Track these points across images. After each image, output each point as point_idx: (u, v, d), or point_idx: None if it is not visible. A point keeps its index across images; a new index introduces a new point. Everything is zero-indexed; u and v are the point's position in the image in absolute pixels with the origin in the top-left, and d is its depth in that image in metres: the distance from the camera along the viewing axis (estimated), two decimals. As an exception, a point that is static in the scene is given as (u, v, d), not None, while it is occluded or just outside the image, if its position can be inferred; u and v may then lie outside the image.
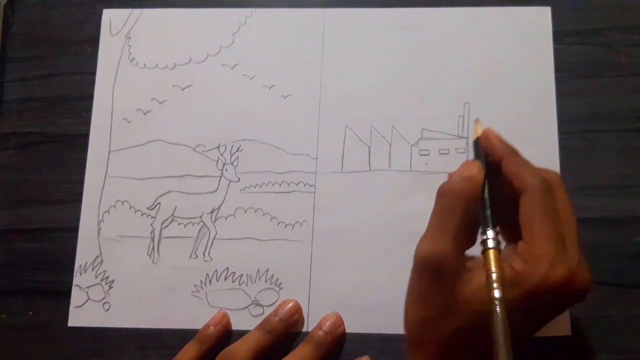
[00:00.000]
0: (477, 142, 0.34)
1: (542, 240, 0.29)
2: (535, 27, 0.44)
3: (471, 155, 0.42)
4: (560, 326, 0.39)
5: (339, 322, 0.40)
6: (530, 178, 0.30)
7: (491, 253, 0.29)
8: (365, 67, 0.44)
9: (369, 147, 0.43)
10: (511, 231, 0.31)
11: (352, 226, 0.42)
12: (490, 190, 0.31)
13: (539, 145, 0.42)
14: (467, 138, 0.43)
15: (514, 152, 0.33)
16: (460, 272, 0.30)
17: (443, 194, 0.31)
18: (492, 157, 0.33)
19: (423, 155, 0.43)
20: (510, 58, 0.44)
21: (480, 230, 0.31)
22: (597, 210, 0.41)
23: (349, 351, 0.40)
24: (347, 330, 0.40)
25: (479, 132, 0.34)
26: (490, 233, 0.30)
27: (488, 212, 0.31)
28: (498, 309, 0.27)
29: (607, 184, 0.41)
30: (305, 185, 0.43)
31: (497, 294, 0.28)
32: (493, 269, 0.29)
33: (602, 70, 0.43)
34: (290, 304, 0.40)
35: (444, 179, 0.40)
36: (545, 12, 0.44)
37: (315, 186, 0.43)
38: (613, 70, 0.43)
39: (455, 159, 0.42)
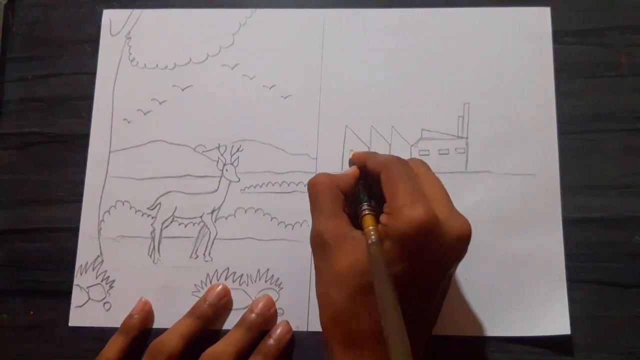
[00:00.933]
0: (350, 160, 0.38)
1: (399, 194, 0.31)
2: (535, 27, 0.44)
3: (472, 155, 0.42)
4: (560, 326, 0.39)
5: (270, 304, 0.40)
6: (386, 159, 0.33)
7: (366, 217, 0.32)
8: (365, 67, 0.44)
9: (369, 147, 0.43)
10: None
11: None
12: (366, 185, 0.35)
13: (539, 145, 0.42)
14: (467, 138, 0.43)
15: (373, 153, 0.37)
16: (343, 242, 0.32)
17: (309, 185, 0.35)
18: (359, 164, 0.36)
19: (423, 155, 0.43)
20: (510, 58, 0.44)
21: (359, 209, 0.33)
22: (597, 210, 0.41)
23: (349, 351, 0.40)
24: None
25: (350, 155, 0.38)
26: (364, 204, 0.33)
27: (363, 189, 0.34)
28: (374, 249, 0.29)
29: (607, 184, 0.41)
30: (305, 186, 0.43)
31: (372, 238, 0.30)
32: (370, 227, 0.31)
33: (602, 70, 0.43)
34: (218, 288, 0.41)
35: (444, 179, 0.41)
36: (545, 12, 0.44)
37: (315, 186, 0.43)
38: (613, 70, 0.43)
39: (455, 159, 0.42)
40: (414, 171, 0.33)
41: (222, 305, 0.41)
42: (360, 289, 0.30)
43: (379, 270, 0.29)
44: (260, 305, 0.40)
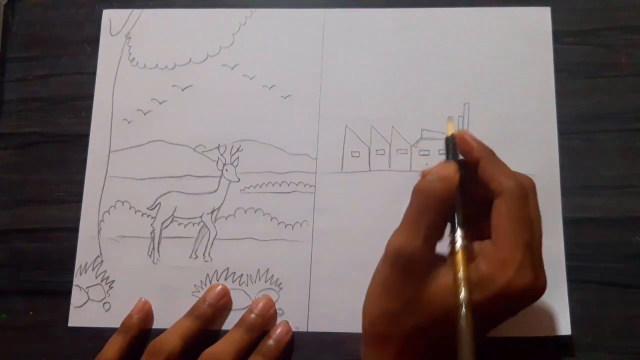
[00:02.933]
0: (449, 140, 0.34)
1: (511, 246, 0.29)
2: (535, 27, 0.44)
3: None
4: (561, 326, 0.39)
5: (270, 304, 0.40)
6: (507, 181, 0.31)
7: (459, 255, 0.30)
8: (365, 67, 0.44)
9: (369, 147, 0.43)
10: (480, 230, 0.32)
11: (352, 226, 0.42)
12: (463, 190, 0.32)
13: (539, 145, 0.42)
14: (467, 138, 0.43)
15: (491, 154, 0.33)
16: (429, 269, 0.31)
17: (418, 192, 0.32)
18: (469, 158, 0.33)
19: (423, 155, 0.43)
20: (510, 58, 0.44)
21: (449, 229, 0.32)
22: (597, 210, 0.41)
23: (349, 351, 0.40)
24: (347, 330, 0.40)
25: (451, 130, 0.35)
26: (459, 234, 0.31)
27: (459, 212, 0.32)
28: (464, 311, 0.28)
29: (607, 184, 0.41)
30: (305, 186, 0.43)
31: (463, 296, 0.29)
32: (461, 272, 0.29)
33: (602, 70, 0.43)
34: (217, 288, 0.41)
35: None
36: (545, 12, 0.44)
37: (315, 186, 0.43)
38: (613, 70, 0.43)
39: (455, 159, 0.42)
40: (529, 212, 0.31)
41: (222, 305, 0.41)
42: (435, 321, 0.30)
43: (466, 343, 0.28)
44: (260, 305, 0.40)
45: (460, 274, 0.29)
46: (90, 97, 0.45)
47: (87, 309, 0.42)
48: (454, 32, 0.44)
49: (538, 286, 0.30)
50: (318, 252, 0.41)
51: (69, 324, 0.42)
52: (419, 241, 0.30)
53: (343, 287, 0.41)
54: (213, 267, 0.42)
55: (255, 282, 0.41)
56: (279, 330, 0.40)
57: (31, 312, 0.42)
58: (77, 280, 0.42)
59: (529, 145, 0.42)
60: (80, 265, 0.42)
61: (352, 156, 0.43)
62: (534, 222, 0.31)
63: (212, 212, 0.43)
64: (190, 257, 0.42)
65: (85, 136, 0.45)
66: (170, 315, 0.41)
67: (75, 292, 0.42)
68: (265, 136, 0.44)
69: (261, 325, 0.40)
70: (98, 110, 0.45)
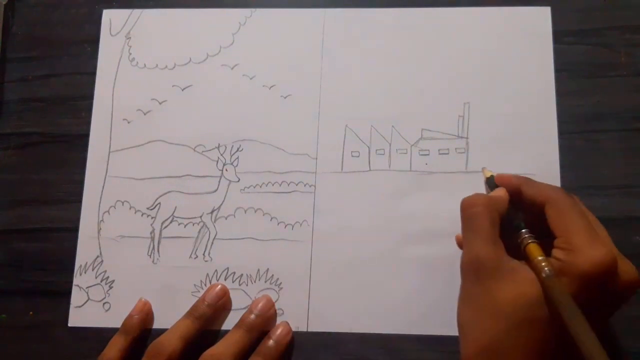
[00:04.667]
0: (489, 181, 0.36)
1: (577, 231, 0.30)
2: (535, 27, 0.44)
3: (472, 155, 0.42)
4: (560, 326, 0.39)
5: (269, 305, 0.40)
6: (551, 191, 0.33)
7: (532, 246, 0.31)
8: (365, 67, 0.44)
9: (369, 147, 0.43)
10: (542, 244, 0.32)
11: (352, 226, 0.42)
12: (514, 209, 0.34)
13: (539, 145, 0.42)
14: (467, 138, 0.43)
15: (529, 179, 0.35)
16: (502, 272, 0.31)
17: (465, 205, 0.33)
18: (510, 188, 0.34)
19: (423, 155, 0.43)
20: (510, 58, 0.44)
21: (516, 236, 0.32)
22: (597, 210, 0.40)
23: (349, 351, 0.40)
24: (347, 330, 0.40)
25: (487, 173, 0.37)
26: (525, 230, 0.32)
27: (519, 215, 0.33)
28: (556, 283, 0.29)
29: (607, 184, 0.41)
30: (305, 186, 0.43)
31: (547, 271, 0.29)
32: (539, 257, 0.30)
33: (602, 70, 0.43)
34: (217, 288, 0.41)
35: (444, 178, 0.41)
36: (545, 12, 0.44)
37: (315, 186, 0.43)
38: (613, 70, 0.43)
39: (455, 159, 0.42)
40: (582, 207, 0.32)
41: (221, 305, 0.41)
42: (521, 323, 0.30)
43: (569, 304, 0.28)
44: (260, 306, 0.40)
45: (539, 258, 0.30)
46: (90, 97, 0.45)
47: (87, 309, 0.42)
48: (454, 32, 0.44)
49: (621, 267, 0.30)
50: (318, 252, 0.41)
51: (69, 324, 0.42)
52: (482, 246, 0.31)
53: (343, 287, 0.41)
54: (213, 267, 0.42)
55: (255, 282, 0.41)
56: (279, 331, 0.40)
57: (31, 312, 0.42)
58: (77, 280, 0.42)
59: (529, 145, 0.42)
60: (80, 265, 0.42)
61: (352, 156, 0.43)
62: (592, 218, 0.32)
63: (212, 212, 0.43)
64: (190, 257, 0.42)
65: (85, 136, 0.45)
66: (170, 315, 0.41)
67: (75, 292, 0.42)
68: (265, 136, 0.44)
69: (261, 325, 0.40)
70: (98, 110, 0.45)
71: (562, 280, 0.29)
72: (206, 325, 0.40)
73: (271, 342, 0.39)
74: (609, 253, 0.29)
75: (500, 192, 0.34)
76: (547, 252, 0.31)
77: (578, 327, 0.28)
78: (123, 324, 0.40)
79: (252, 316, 0.39)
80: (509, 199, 0.34)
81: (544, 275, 0.29)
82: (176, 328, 0.39)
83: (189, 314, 0.40)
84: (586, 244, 0.29)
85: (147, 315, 0.41)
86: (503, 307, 0.30)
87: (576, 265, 0.29)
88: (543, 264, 0.30)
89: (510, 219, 0.33)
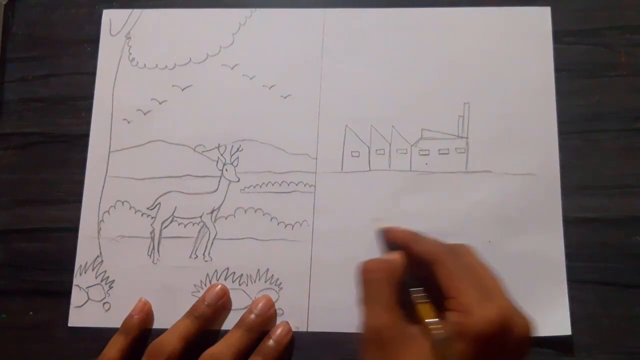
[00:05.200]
0: (380, 234, 0.36)
1: (465, 290, 0.30)
2: (535, 27, 0.44)
3: (472, 155, 0.42)
4: (561, 326, 0.39)
5: (269, 304, 0.40)
6: (436, 249, 0.32)
7: (421, 307, 0.31)
8: (365, 67, 0.44)
9: (368, 147, 0.43)
10: (434, 303, 0.32)
11: (352, 226, 0.42)
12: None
13: (539, 145, 0.42)
14: (467, 138, 0.43)
15: (416, 234, 0.35)
16: (402, 339, 0.30)
17: (364, 270, 0.32)
18: (399, 245, 0.34)
19: (423, 155, 0.43)
20: (510, 58, 0.44)
21: (409, 296, 0.32)
22: (597, 210, 0.41)
23: (349, 351, 0.40)
24: (347, 330, 0.40)
25: (378, 226, 0.36)
26: (415, 290, 0.31)
27: (409, 274, 0.32)
28: (448, 349, 0.28)
29: (607, 184, 0.41)
30: (305, 185, 0.43)
31: (436, 334, 0.29)
32: (428, 319, 0.30)
33: (602, 70, 0.43)
34: (217, 288, 0.41)
35: (444, 178, 0.41)
36: (545, 12, 0.44)
37: (315, 186, 0.43)
38: (613, 70, 0.43)
39: (455, 159, 0.42)
40: (467, 262, 0.32)
41: (221, 305, 0.41)
42: None
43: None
44: (260, 305, 0.40)
45: (426, 321, 0.30)
46: (90, 97, 0.45)
47: (87, 309, 0.42)
48: (454, 32, 0.44)
49: (515, 322, 0.29)
50: (318, 252, 0.41)
51: (69, 324, 0.42)
52: (380, 315, 0.31)
53: (343, 287, 0.41)
54: (213, 267, 0.42)
55: (255, 282, 0.41)
56: (279, 331, 0.40)
57: (31, 312, 0.42)
58: (77, 280, 0.42)
59: (529, 145, 0.42)
60: (80, 265, 0.42)
61: (352, 156, 0.43)
62: (482, 273, 0.32)
63: (212, 212, 0.43)
64: (190, 257, 0.42)
65: (85, 136, 0.45)
66: (170, 315, 0.41)
67: (75, 292, 0.42)
68: (265, 136, 0.44)
69: (261, 325, 0.40)
70: (98, 110, 0.45)
71: (454, 344, 0.28)
72: (206, 325, 0.40)
73: (271, 342, 0.39)
74: (500, 310, 0.29)
75: (397, 257, 0.33)
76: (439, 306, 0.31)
77: None
78: (123, 324, 0.40)
79: (252, 316, 0.39)
80: (405, 260, 0.33)
81: (435, 338, 0.29)
82: (176, 328, 0.39)
83: (189, 313, 0.40)
84: (476, 303, 0.29)
85: (147, 315, 0.41)
86: None
87: (468, 326, 0.28)
88: (431, 327, 0.29)
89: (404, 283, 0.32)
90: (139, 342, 0.40)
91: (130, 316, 0.40)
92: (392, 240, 0.35)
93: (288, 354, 0.40)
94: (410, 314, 0.31)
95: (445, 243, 0.33)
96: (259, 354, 0.38)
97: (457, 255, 0.32)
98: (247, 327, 0.39)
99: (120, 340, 0.39)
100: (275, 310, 0.41)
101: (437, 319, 0.30)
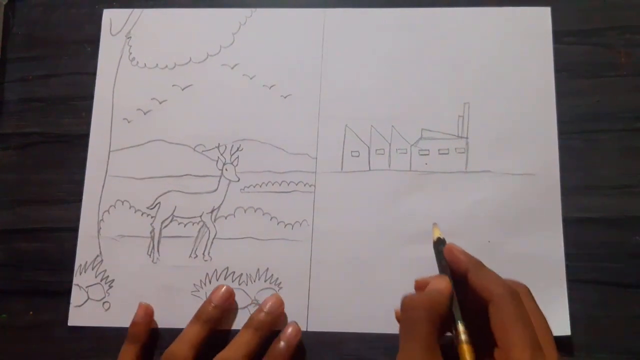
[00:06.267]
0: (437, 244, 0.34)
1: (518, 346, 0.28)
2: (535, 27, 0.44)
3: (472, 155, 0.42)
4: (561, 326, 0.39)
5: (279, 302, 0.40)
6: (496, 288, 0.30)
7: (464, 347, 0.29)
8: (365, 67, 0.44)
9: (368, 147, 0.43)
10: (482, 341, 0.31)
11: (352, 226, 0.42)
12: (458, 299, 0.32)
13: (539, 145, 0.42)
14: (467, 138, 0.43)
15: (478, 264, 0.33)
16: None
17: (406, 306, 0.31)
18: (457, 269, 0.33)
19: (423, 155, 0.43)
20: (510, 58, 0.44)
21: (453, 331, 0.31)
22: (597, 210, 0.41)
23: (349, 351, 0.40)
24: (347, 330, 0.40)
25: (436, 233, 0.35)
26: (461, 326, 0.30)
27: (457, 310, 0.31)
28: None
29: (607, 184, 0.41)
30: (305, 185, 0.43)
31: None
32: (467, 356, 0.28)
33: (602, 70, 0.43)
34: (223, 290, 0.40)
35: (444, 178, 0.40)
36: (545, 12, 0.44)
37: (315, 186, 0.43)
38: (613, 70, 0.43)
39: (455, 159, 0.42)
40: (526, 310, 0.30)
41: (227, 306, 0.40)
42: None
43: None
44: (270, 304, 0.40)
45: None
46: (90, 97, 0.45)
47: (86, 309, 0.42)
48: (454, 32, 0.44)
49: None
50: (318, 251, 0.41)
51: (69, 323, 0.42)
52: (420, 354, 0.29)
53: (343, 287, 0.41)
54: (213, 266, 0.42)
55: (254, 281, 0.41)
56: (289, 331, 0.39)
57: (31, 312, 0.42)
58: (77, 279, 0.42)
59: (529, 145, 0.42)
60: (80, 265, 0.42)
61: (352, 156, 0.43)
62: (536, 321, 0.30)
63: (211, 212, 0.43)
64: (190, 256, 0.42)
65: (85, 136, 0.45)
66: (170, 315, 0.41)
67: (75, 291, 0.42)
68: (265, 136, 0.44)
69: (270, 324, 0.39)
70: (98, 110, 0.45)
71: None
72: (214, 327, 0.40)
73: (282, 343, 0.39)
74: None
75: (442, 285, 0.32)
76: (487, 348, 0.30)
77: None
78: (130, 333, 0.40)
79: (262, 314, 0.39)
80: (452, 288, 0.32)
81: None
82: (186, 335, 0.38)
83: (197, 318, 0.39)
84: None
85: (150, 319, 0.41)
86: None
87: None
88: None
89: (450, 308, 0.31)
90: (147, 347, 0.40)
91: (135, 324, 0.40)
92: (451, 261, 0.33)
93: (295, 354, 0.40)
94: (451, 346, 0.30)
95: (504, 281, 0.31)
96: (270, 357, 0.38)
97: (516, 300, 0.30)
98: (256, 325, 0.39)
99: (131, 349, 0.39)
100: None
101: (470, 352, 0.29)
